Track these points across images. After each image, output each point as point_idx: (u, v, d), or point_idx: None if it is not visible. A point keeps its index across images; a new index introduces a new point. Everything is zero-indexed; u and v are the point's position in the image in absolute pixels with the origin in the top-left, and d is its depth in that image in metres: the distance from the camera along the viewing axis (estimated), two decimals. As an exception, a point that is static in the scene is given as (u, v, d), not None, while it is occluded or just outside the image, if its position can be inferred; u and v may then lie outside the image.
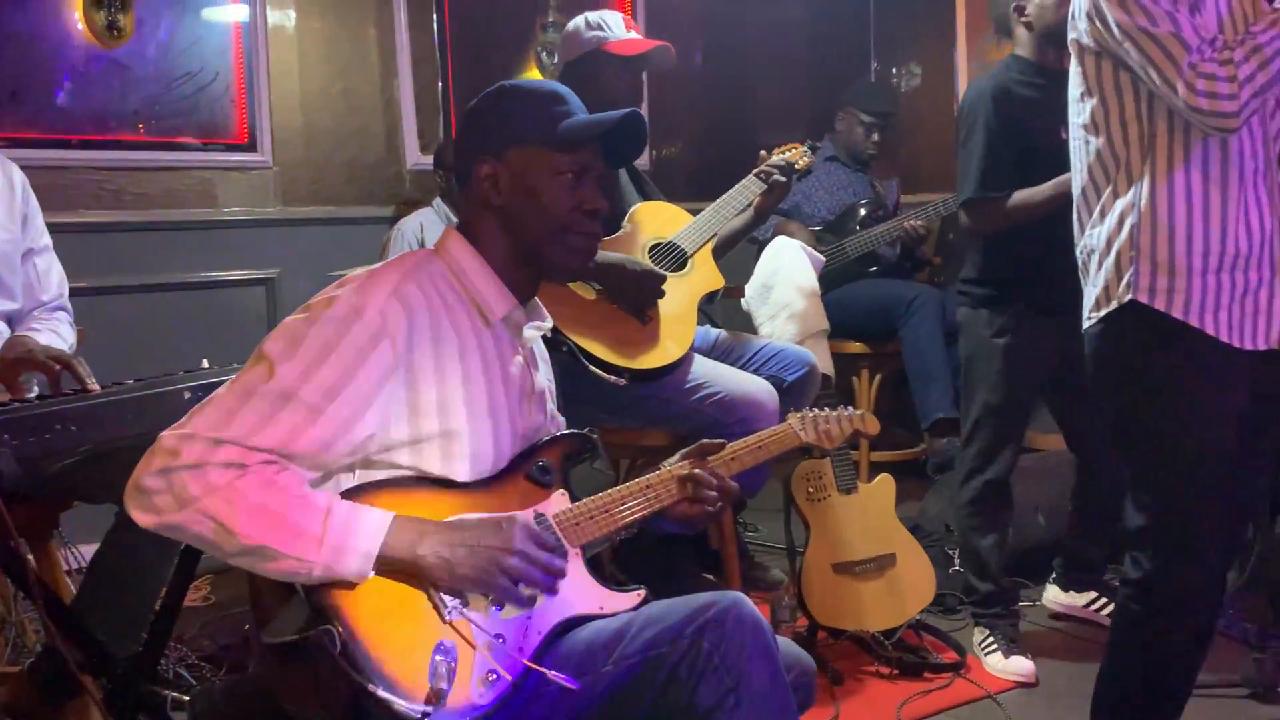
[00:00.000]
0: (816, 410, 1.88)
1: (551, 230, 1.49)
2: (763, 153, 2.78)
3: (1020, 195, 2.58)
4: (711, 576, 2.72)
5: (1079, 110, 1.93)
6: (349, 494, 1.34)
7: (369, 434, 1.34)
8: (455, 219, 2.36)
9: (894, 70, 5.17)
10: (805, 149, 2.85)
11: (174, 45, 3.58)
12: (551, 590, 1.39)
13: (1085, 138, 1.92)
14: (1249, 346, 1.83)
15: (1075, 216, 1.99)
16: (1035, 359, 2.65)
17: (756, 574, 2.88)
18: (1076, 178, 1.97)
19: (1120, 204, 1.86)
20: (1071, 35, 1.91)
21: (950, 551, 3.12)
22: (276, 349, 1.31)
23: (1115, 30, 1.77)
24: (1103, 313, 1.90)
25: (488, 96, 1.54)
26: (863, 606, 2.65)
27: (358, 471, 1.38)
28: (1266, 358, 1.87)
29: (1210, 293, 1.80)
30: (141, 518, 1.25)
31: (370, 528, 1.28)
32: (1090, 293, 1.94)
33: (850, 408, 1.93)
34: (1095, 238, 1.91)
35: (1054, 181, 2.48)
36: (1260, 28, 1.69)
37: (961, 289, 2.80)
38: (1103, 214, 1.90)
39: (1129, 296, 1.84)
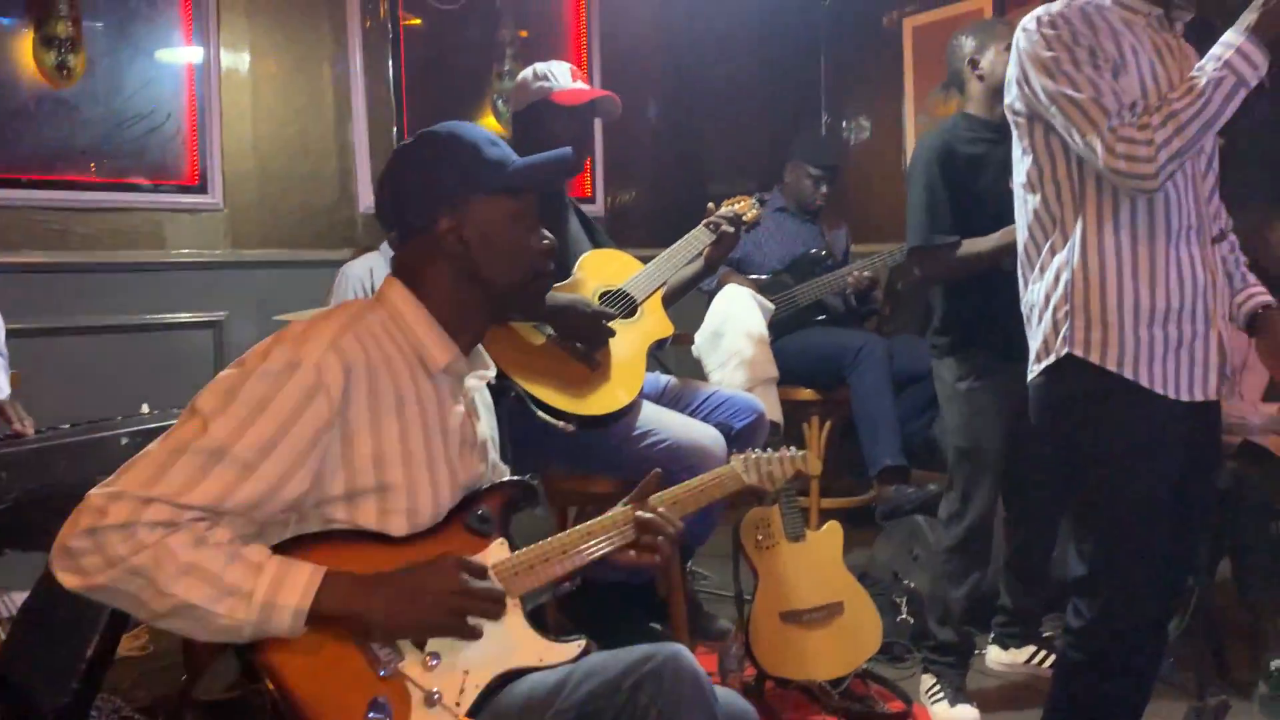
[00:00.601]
0: (759, 452, 1.89)
1: (522, 276, 1.51)
2: (711, 204, 2.82)
3: (968, 244, 2.65)
4: (658, 625, 2.70)
5: (1018, 170, 2.00)
6: (281, 548, 1.32)
7: (303, 490, 1.33)
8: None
9: (844, 123, 5.27)
10: (754, 201, 2.89)
11: (125, 86, 3.56)
12: (497, 617, 1.38)
13: (1024, 196, 1.99)
14: (1185, 398, 1.87)
15: (1020, 271, 2.04)
16: (999, 405, 2.69)
17: (704, 623, 2.86)
18: (1020, 234, 2.03)
19: (1056, 260, 1.91)
20: (1006, 100, 1.99)
21: (897, 600, 3.14)
22: (209, 404, 1.29)
23: (1042, 96, 1.84)
24: (1043, 365, 1.95)
25: (425, 148, 1.51)
26: (810, 655, 2.65)
27: (292, 525, 1.36)
28: (1202, 408, 1.91)
29: (1143, 346, 1.85)
30: (68, 580, 1.22)
31: (302, 583, 1.26)
32: (1032, 345, 1.99)
33: (793, 448, 1.94)
34: (1035, 293, 1.97)
35: (1001, 231, 2.55)
36: (1177, 95, 1.76)
37: (930, 340, 2.86)
38: (1042, 270, 1.95)
39: (1065, 350, 1.89)
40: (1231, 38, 1.76)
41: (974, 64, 2.76)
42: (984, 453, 2.72)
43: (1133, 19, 1.87)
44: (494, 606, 1.37)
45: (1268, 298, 2.05)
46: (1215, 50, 1.77)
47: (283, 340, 1.35)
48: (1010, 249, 2.19)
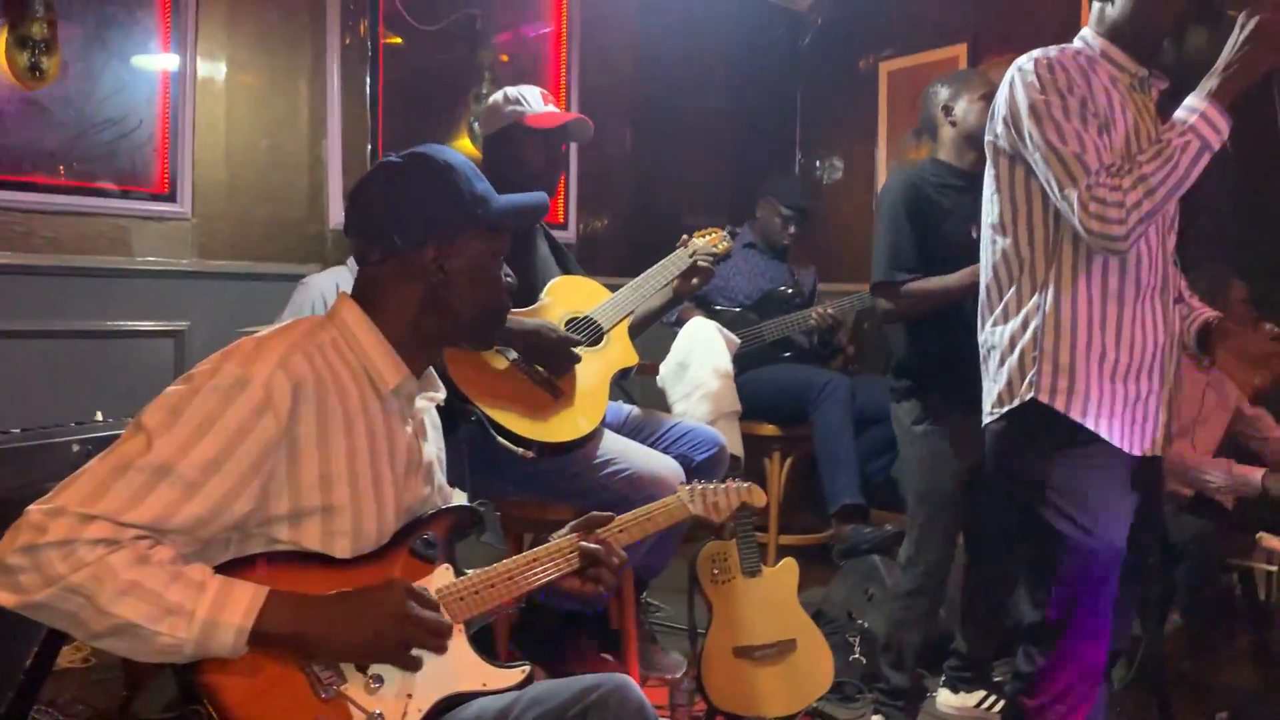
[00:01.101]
0: (705, 483, 1.89)
1: (489, 309, 1.53)
2: (685, 236, 2.83)
3: (930, 281, 2.68)
4: (610, 656, 2.68)
5: (990, 209, 2.01)
6: (224, 568, 1.30)
7: (248, 509, 1.31)
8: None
9: (817, 163, 5.33)
10: (725, 234, 2.91)
11: (98, 91, 3.52)
12: (440, 650, 1.36)
13: (993, 236, 2.00)
14: (1135, 451, 1.90)
15: (979, 311, 2.06)
16: (957, 449, 2.71)
17: (656, 655, 2.84)
18: (984, 274, 2.04)
19: (1025, 305, 1.93)
20: (988, 136, 2.00)
21: (851, 639, 3.14)
22: (155, 420, 1.28)
23: (1027, 139, 1.86)
24: (1004, 409, 1.96)
25: (418, 173, 1.50)
26: (761, 692, 2.64)
27: (234, 544, 1.34)
28: (1147, 461, 1.94)
29: (1106, 398, 1.87)
30: (3, 598, 1.19)
31: (245, 602, 1.24)
32: (991, 388, 2.00)
33: (739, 479, 1.94)
34: (998, 335, 1.98)
35: (966, 270, 2.57)
36: (1146, 158, 1.79)
37: (889, 383, 2.89)
38: (1005, 312, 1.96)
39: (1030, 395, 1.90)
40: (1195, 102, 1.79)
41: (947, 111, 2.81)
42: (940, 496, 2.74)
43: (1119, 76, 1.91)
44: (437, 640, 1.35)
45: (1214, 313, 2.09)
46: (1180, 114, 1.81)
47: (231, 356, 1.33)
48: (973, 290, 2.22)
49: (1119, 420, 1.88)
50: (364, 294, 1.50)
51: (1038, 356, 1.90)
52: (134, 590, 1.19)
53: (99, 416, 2.10)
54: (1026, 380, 1.91)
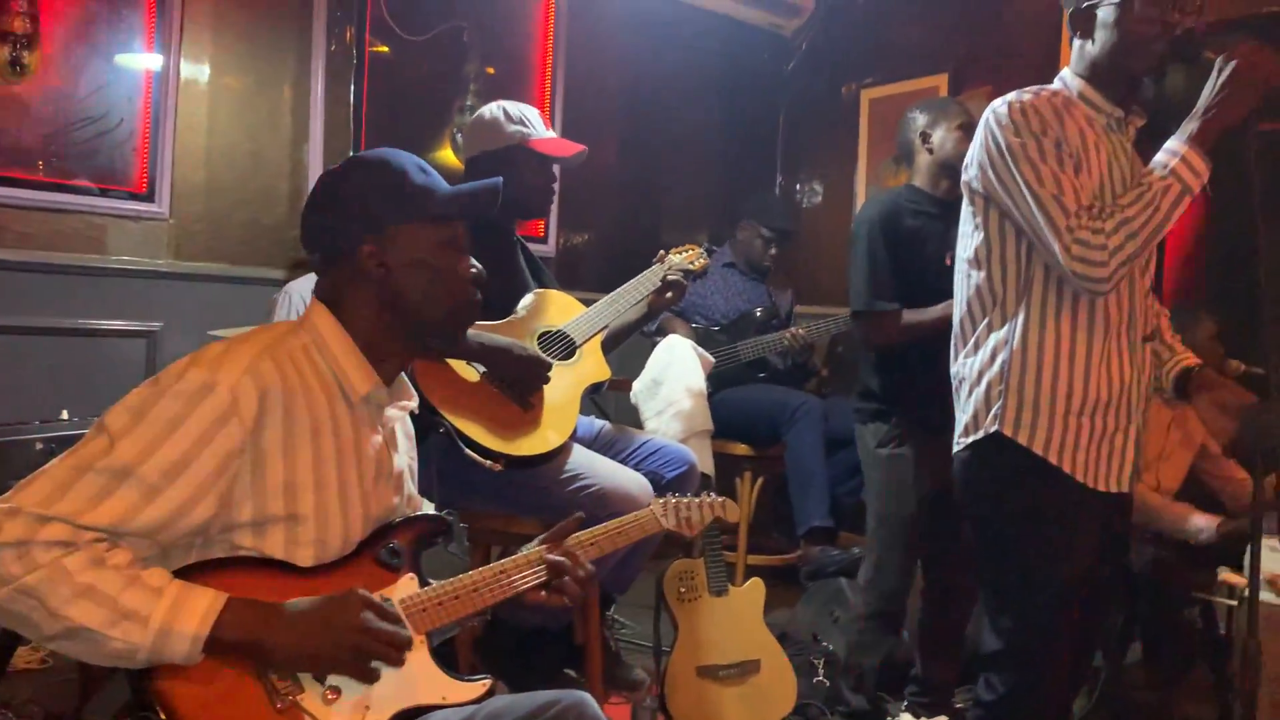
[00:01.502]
0: (679, 497, 1.89)
1: (445, 303, 1.50)
2: (661, 251, 2.84)
3: (910, 314, 2.69)
4: (573, 672, 2.67)
5: (966, 244, 2.04)
6: (183, 573, 1.29)
7: (210, 515, 1.30)
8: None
9: (797, 186, 5.36)
10: (702, 251, 2.92)
11: (80, 88, 3.51)
12: (398, 662, 1.35)
13: (968, 271, 2.02)
14: (1101, 488, 1.92)
15: (952, 343, 2.08)
16: (919, 473, 2.73)
17: (620, 672, 2.84)
18: (957, 307, 2.06)
19: (994, 338, 1.95)
20: (965, 177, 2.02)
21: (815, 661, 3.14)
22: (118, 422, 1.26)
23: (1004, 181, 1.87)
24: (970, 440, 1.98)
25: (353, 172, 1.51)
26: (723, 712, 2.64)
27: (195, 549, 1.33)
28: (1115, 499, 1.96)
29: (1070, 433, 1.89)
30: None
31: (202, 608, 1.23)
32: (960, 419, 2.03)
33: (712, 494, 1.94)
34: (968, 367, 2.00)
35: (944, 304, 2.59)
36: (1128, 201, 1.81)
37: (855, 404, 2.90)
38: (976, 345, 1.99)
39: (994, 427, 1.92)
40: (1175, 145, 1.82)
41: (925, 138, 2.83)
42: (901, 520, 2.75)
43: (1095, 116, 1.93)
44: (396, 653, 1.34)
45: (1196, 360, 2.11)
46: (1160, 157, 1.83)
47: (199, 361, 1.33)
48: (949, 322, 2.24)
49: (1084, 455, 1.90)
50: (328, 299, 1.49)
51: (1003, 390, 1.92)
52: (89, 594, 1.18)
53: (65, 415, 2.09)
54: (991, 413, 1.93)
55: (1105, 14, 1.89)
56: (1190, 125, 1.82)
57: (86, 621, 1.18)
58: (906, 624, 2.88)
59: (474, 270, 1.53)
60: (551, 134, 2.72)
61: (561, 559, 1.54)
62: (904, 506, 2.75)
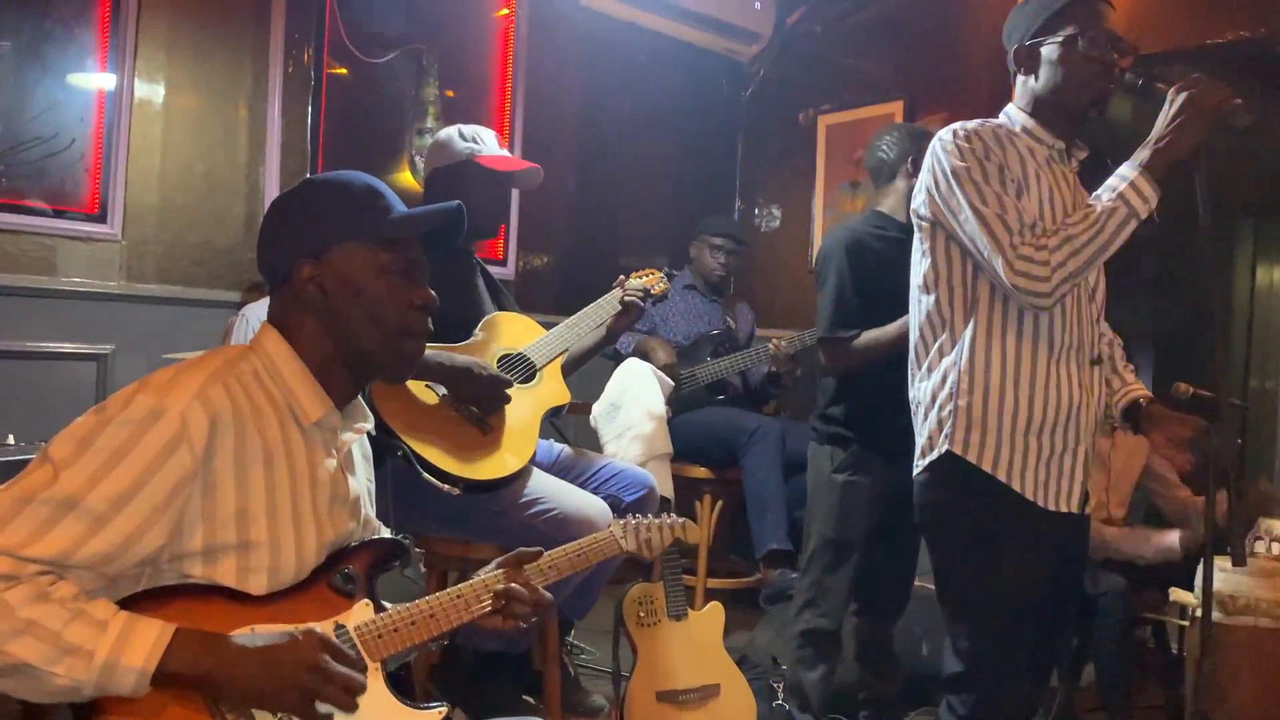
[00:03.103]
0: (639, 518, 1.89)
1: (384, 333, 1.43)
2: (621, 276, 2.85)
3: (868, 335, 2.71)
4: (531, 699, 2.65)
5: (916, 271, 2.08)
6: (131, 602, 1.25)
7: (159, 544, 1.26)
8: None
9: (755, 210, 5.41)
10: (662, 275, 2.93)
11: (30, 107, 3.46)
12: (350, 708, 1.31)
13: (919, 296, 2.06)
14: (1051, 507, 1.94)
15: (909, 369, 2.11)
16: (871, 498, 2.74)
17: (578, 698, 2.82)
18: (912, 333, 2.10)
19: (945, 361, 1.98)
20: (913, 205, 2.06)
21: (775, 684, 3.14)
22: (63, 451, 1.23)
23: (950, 203, 1.92)
24: (925, 461, 2.01)
25: (301, 193, 1.48)
26: (683, 737, 2.63)
27: (145, 579, 1.29)
28: (1071, 520, 1.98)
29: (1018, 452, 1.92)
30: None
31: (149, 642, 1.19)
32: (918, 441, 2.05)
33: (672, 516, 1.94)
34: (923, 390, 2.03)
35: (900, 321, 2.61)
36: (1074, 220, 1.85)
37: (812, 424, 2.91)
38: (929, 369, 2.02)
39: (945, 447, 1.95)
40: (1126, 171, 1.86)
41: (914, 164, 2.78)
42: (849, 545, 2.76)
43: (1036, 148, 1.98)
44: (347, 699, 1.29)
45: (1144, 391, 2.14)
46: (1111, 181, 1.87)
47: (147, 387, 1.29)
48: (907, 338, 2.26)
49: (1032, 474, 1.93)
50: (276, 323, 1.46)
51: (953, 410, 1.95)
52: (31, 629, 1.14)
53: (10, 440, 2.04)
54: (944, 432, 1.96)
55: (1049, 51, 1.95)
56: (1142, 153, 1.86)
57: (28, 658, 1.14)
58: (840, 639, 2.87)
59: (422, 301, 1.45)
60: (504, 153, 2.71)
61: (513, 588, 1.51)
62: (855, 532, 2.76)
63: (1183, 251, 3.70)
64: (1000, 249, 1.84)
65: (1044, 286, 1.82)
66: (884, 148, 2.91)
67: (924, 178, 2.00)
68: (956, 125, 1.96)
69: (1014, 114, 2.03)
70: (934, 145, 1.98)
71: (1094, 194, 1.89)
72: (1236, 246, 5.28)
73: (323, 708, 1.29)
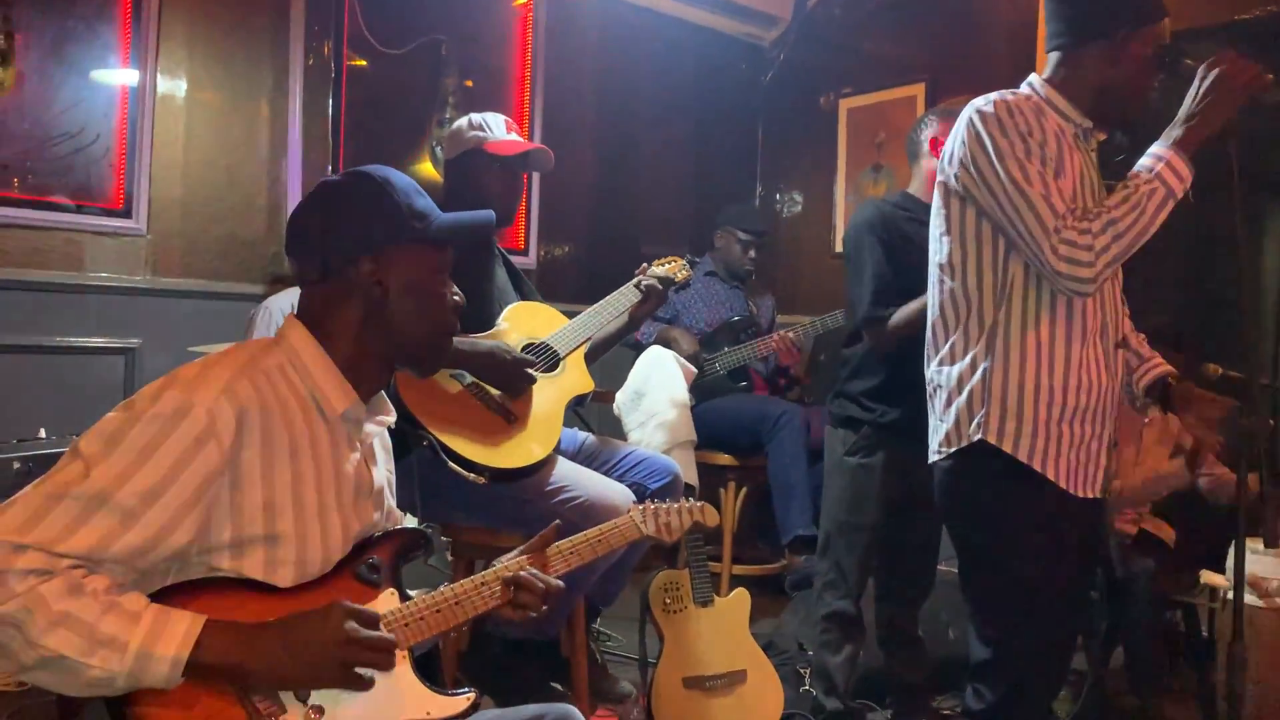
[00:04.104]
0: (658, 503, 1.89)
1: (432, 330, 1.49)
2: (644, 264, 2.84)
3: (899, 313, 2.64)
4: (559, 685, 2.66)
5: (938, 249, 2.03)
6: (161, 595, 1.27)
7: (189, 539, 1.28)
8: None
9: (777, 196, 5.38)
10: (684, 262, 2.93)
11: (55, 103, 3.49)
12: (389, 666, 1.33)
13: (940, 276, 2.01)
14: (1080, 494, 1.92)
15: (925, 350, 2.08)
16: (885, 481, 2.73)
17: (606, 685, 2.83)
18: (930, 311, 2.06)
19: (973, 345, 1.94)
20: (940, 177, 2.00)
21: (801, 670, 3.14)
22: (93, 448, 1.24)
23: (990, 182, 1.86)
24: (953, 449, 1.97)
25: (357, 187, 1.48)
26: (710, 723, 2.63)
27: (174, 573, 1.31)
28: (1091, 504, 1.97)
29: (1052, 440, 1.89)
30: None
31: (181, 632, 1.21)
32: (940, 427, 2.01)
33: (691, 499, 1.94)
34: (945, 375, 1.99)
35: (922, 297, 2.58)
36: (1115, 202, 1.81)
37: (829, 405, 2.89)
38: (953, 353, 1.98)
39: (979, 436, 1.91)
40: (1160, 151, 1.82)
41: (936, 143, 2.73)
42: (864, 528, 2.75)
43: (1065, 126, 1.93)
44: (384, 657, 1.32)
45: (1168, 368, 2.11)
46: (1145, 162, 1.84)
47: (174, 383, 1.30)
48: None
49: (1065, 461, 1.91)
50: (309, 315, 1.47)
51: (986, 398, 1.91)
52: (65, 622, 1.16)
53: (43, 434, 2.06)
54: (975, 421, 1.92)
55: (1122, 42, 1.88)
56: (1174, 131, 1.83)
57: (63, 650, 1.15)
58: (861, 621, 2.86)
59: (457, 299, 1.53)
60: (512, 137, 2.71)
61: (527, 576, 1.52)
62: (870, 515, 2.74)
63: (1209, 230, 3.66)
64: (1046, 233, 1.79)
65: (1088, 272, 1.78)
66: (913, 132, 2.87)
67: (955, 149, 1.93)
68: (995, 96, 1.89)
69: (1039, 86, 1.97)
70: (970, 116, 1.91)
71: (1129, 174, 1.85)
72: (1266, 225, 5.21)
73: (363, 672, 1.31)
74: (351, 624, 1.30)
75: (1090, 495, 1.94)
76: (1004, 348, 1.91)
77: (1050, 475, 1.90)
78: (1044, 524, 1.92)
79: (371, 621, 1.34)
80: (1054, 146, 1.86)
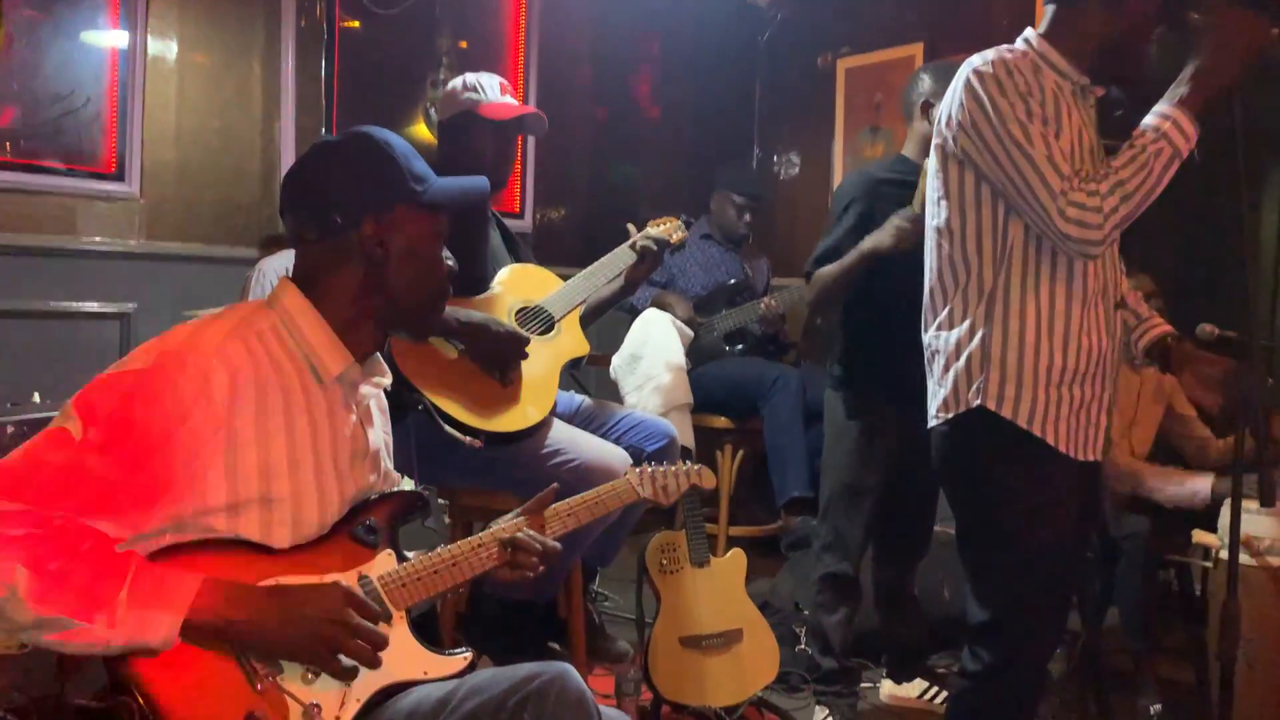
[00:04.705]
0: (655, 465, 1.89)
1: (429, 294, 1.49)
2: (632, 226, 2.82)
3: (823, 269, 2.73)
4: (557, 645, 2.68)
5: (935, 212, 2.00)
6: (158, 556, 1.27)
7: (184, 500, 1.28)
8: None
9: (774, 157, 5.35)
10: (680, 224, 2.90)
11: (44, 66, 3.46)
12: (374, 663, 1.33)
13: (938, 240, 1.99)
14: (1080, 458, 1.92)
15: (924, 313, 2.07)
16: (886, 444, 2.74)
17: (603, 645, 2.85)
18: (928, 275, 2.04)
19: (972, 312, 1.92)
20: (936, 140, 1.96)
21: (797, 630, 3.17)
22: (85, 409, 1.24)
23: (990, 143, 1.82)
24: (951, 415, 1.96)
25: (360, 147, 1.47)
26: (707, 681, 2.66)
27: (169, 534, 1.30)
28: (1089, 467, 1.97)
29: (1051, 404, 1.88)
30: None
31: (178, 594, 1.21)
32: (938, 393, 2.00)
33: (688, 462, 1.94)
34: (943, 340, 1.97)
35: (851, 254, 2.65)
36: (1121, 163, 1.77)
37: (829, 370, 2.90)
38: (951, 318, 1.96)
39: (978, 402, 1.90)
40: (1165, 109, 1.79)
41: (926, 107, 2.71)
42: (863, 490, 2.76)
43: (1062, 84, 1.90)
44: (370, 653, 1.31)
45: (1167, 328, 2.11)
46: (1150, 120, 1.80)
47: (166, 345, 1.30)
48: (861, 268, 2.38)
49: (1064, 425, 1.90)
50: (304, 277, 1.46)
51: (986, 364, 1.90)
52: (60, 581, 1.16)
53: (36, 398, 2.06)
54: (974, 387, 1.91)
55: None
56: (1179, 89, 1.80)
57: (59, 612, 1.16)
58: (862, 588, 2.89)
59: (450, 264, 1.54)
60: (506, 99, 2.68)
61: (524, 537, 1.53)
62: (870, 477, 2.76)
63: (1208, 189, 3.64)
64: (1052, 195, 1.76)
65: (1096, 234, 1.76)
66: (906, 91, 2.83)
67: (953, 110, 1.88)
68: (992, 55, 1.85)
69: (1035, 41, 1.92)
70: (967, 75, 1.86)
71: (1134, 133, 1.83)
72: (1264, 184, 5.19)
73: (345, 661, 1.31)
74: (348, 610, 1.30)
75: (1090, 459, 1.94)
76: (1003, 312, 1.89)
77: (1050, 440, 1.89)
78: (1043, 488, 1.92)
79: (370, 612, 1.33)
80: (1052, 105, 1.83)
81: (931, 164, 2.00)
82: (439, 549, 1.49)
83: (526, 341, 2.45)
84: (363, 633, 1.31)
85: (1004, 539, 1.95)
